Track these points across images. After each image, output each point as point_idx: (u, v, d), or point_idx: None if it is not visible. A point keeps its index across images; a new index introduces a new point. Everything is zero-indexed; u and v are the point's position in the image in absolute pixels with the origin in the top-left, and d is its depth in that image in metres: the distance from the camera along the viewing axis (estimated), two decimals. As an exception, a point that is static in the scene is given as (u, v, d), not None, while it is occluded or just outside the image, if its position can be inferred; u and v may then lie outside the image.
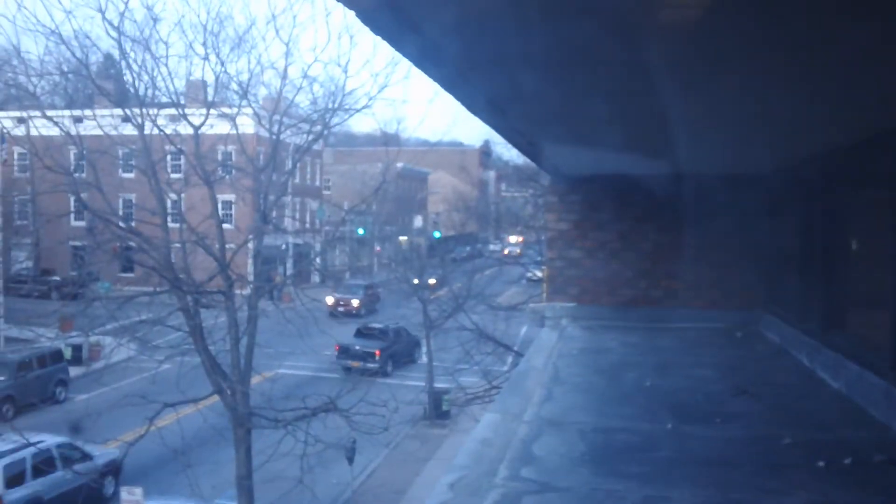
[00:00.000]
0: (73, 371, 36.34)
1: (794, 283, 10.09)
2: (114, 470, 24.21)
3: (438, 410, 34.29)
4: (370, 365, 35.11)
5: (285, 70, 23.55)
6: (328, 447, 21.63)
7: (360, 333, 40.47)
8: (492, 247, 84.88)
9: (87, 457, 24.21)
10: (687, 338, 11.12)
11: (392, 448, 29.92)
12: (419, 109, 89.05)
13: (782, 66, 4.90)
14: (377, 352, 37.89)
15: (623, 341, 10.91)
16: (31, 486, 21.95)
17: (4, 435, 23.57)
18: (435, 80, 5.46)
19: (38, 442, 22.73)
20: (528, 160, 17.68)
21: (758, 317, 11.37)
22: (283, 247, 46.18)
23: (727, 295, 11.62)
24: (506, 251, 78.04)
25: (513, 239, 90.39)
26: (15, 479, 22.04)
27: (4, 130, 41.05)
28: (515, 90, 5.87)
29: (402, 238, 62.63)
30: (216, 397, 22.17)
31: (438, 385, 34.43)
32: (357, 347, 38.22)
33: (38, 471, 22.52)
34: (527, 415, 6.98)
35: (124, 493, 21.99)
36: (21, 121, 32.96)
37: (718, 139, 8.06)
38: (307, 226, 56.60)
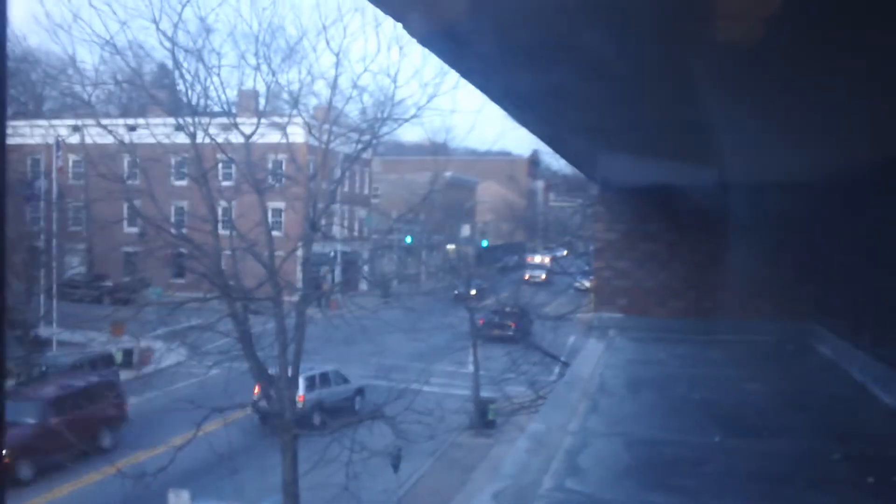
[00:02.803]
0: (124, 375, 36.75)
1: (846, 295, 9.95)
2: (361, 392, 34.09)
3: (484, 420, 34.20)
4: (508, 333, 42.20)
5: (335, 80, 23.64)
6: (374, 455, 21.67)
7: (495, 312, 46.68)
8: (537, 257, 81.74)
9: (346, 380, 34.54)
10: (737, 350, 11.01)
11: (437, 457, 29.87)
12: (468, 119, 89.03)
13: (835, 78, 4.86)
14: (513, 323, 44.21)
15: (672, 353, 10.82)
16: (317, 393, 31.90)
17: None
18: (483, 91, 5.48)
19: (322, 367, 33.33)
20: (577, 170, 17.62)
21: (809, 329, 11.21)
22: (332, 254, 45.59)
23: (778, 307, 11.47)
24: (526, 276, 65.05)
25: (537, 258, 78.04)
26: (310, 387, 31.19)
27: (60, 138, 41.83)
28: (573, 99, 5.87)
29: (450, 246, 62.36)
30: (263, 403, 22.37)
31: (484, 394, 34.37)
32: (497, 320, 45.96)
33: (322, 384, 32.82)
34: (572, 425, 6.95)
35: (171, 497, 22.18)
36: (76, 129, 33.51)
37: (770, 148, 7.99)
38: (356, 234, 56.62)
